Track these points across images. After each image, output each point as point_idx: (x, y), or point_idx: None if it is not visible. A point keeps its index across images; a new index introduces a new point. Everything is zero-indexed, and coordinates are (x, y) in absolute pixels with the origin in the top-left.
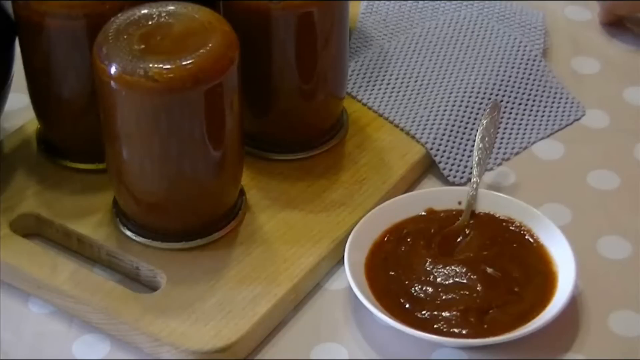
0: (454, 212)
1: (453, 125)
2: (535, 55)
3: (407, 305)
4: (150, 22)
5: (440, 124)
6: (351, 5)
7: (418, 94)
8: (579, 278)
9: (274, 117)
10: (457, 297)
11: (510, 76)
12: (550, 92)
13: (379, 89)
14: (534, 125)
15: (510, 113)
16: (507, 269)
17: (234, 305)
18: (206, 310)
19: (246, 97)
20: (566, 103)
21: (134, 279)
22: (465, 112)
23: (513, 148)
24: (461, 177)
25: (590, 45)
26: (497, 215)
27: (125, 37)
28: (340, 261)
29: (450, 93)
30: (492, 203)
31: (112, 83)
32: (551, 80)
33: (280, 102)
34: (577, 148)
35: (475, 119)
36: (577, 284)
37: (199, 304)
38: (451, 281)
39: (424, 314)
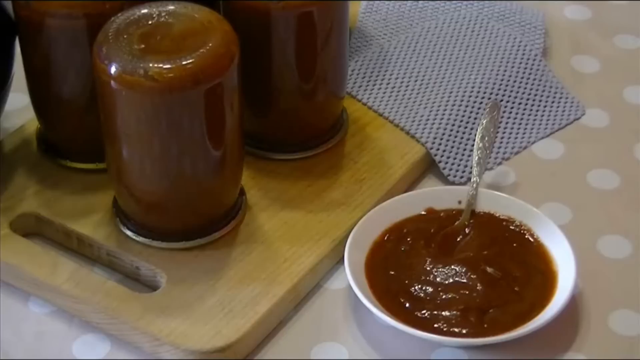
0: (454, 212)
1: (453, 125)
2: (535, 55)
3: (407, 305)
4: (150, 22)
5: (440, 123)
6: (351, 5)
7: (418, 93)
8: (579, 277)
9: (274, 117)
10: (457, 297)
11: (510, 76)
12: (550, 91)
13: (379, 89)
14: (533, 124)
15: (510, 113)
16: (507, 269)
17: (234, 304)
18: (206, 310)
19: (246, 97)
20: (566, 102)
21: (134, 279)
22: (465, 111)
23: (513, 147)
24: (461, 177)
25: (590, 44)
26: (497, 215)
27: (125, 36)
28: (340, 261)
29: (450, 93)
30: (492, 202)
31: (112, 83)
32: (551, 79)
33: (280, 102)
34: (577, 147)
35: (475, 118)
36: (577, 283)
37: (199, 304)
38: (451, 280)
39: (424, 314)
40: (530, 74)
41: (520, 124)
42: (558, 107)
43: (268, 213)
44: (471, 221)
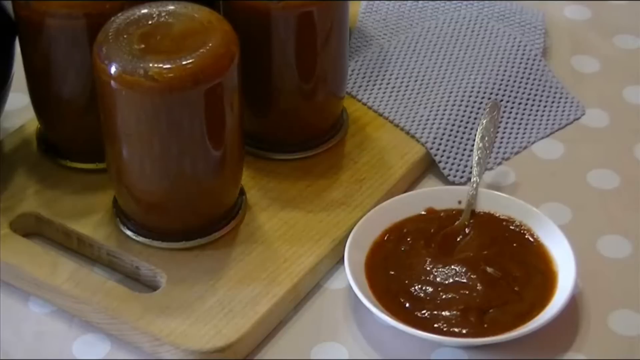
0: (454, 212)
1: (453, 125)
2: (535, 55)
3: (407, 305)
4: (150, 22)
5: (440, 123)
6: (351, 5)
7: (418, 93)
8: (579, 277)
9: (274, 117)
10: (457, 297)
11: (510, 76)
12: (550, 91)
13: (379, 89)
14: (533, 124)
15: (510, 113)
16: (507, 269)
17: (234, 304)
18: (206, 310)
19: (246, 97)
20: (566, 102)
21: (134, 279)
22: (465, 111)
23: (513, 147)
24: (461, 177)
25: (590, 44)
26: (497, 215)
27: (125, 36)
28: (341, 260)
29: (450, 93)
30: (492, 202)
31: (112, 83)
32: (551, 79)
33: (280, 102)
34: (577, 147)
35: (475, 118)
36: (577, 283)
37: (199, 304)
38: (451, 280)
39: (424, 314)
40: (530, 74)
41: (520, 124)
42: (558, 107)
43: (268, 213)
44: (471, 221)
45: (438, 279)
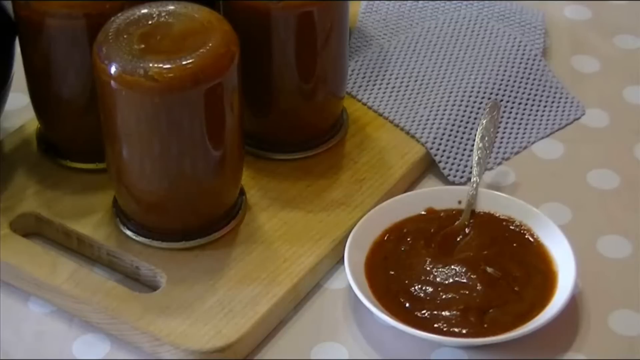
0: (454, 212)
1: (453, 125)
2: (535, 55)
3: (407, 305)
4: (150, 22)
5: (440, 123)
6: (351, 5)
7: (418, 93)
8: (579, 277)
9: (274, 117)
10: (457, 297)
11: (510, 76)
12: (550, 91)
13: (379, 89)
14: (533, 124)
15: (510, 112)
16: (507, 269)
17: (234, 304)
18: (206, 310)
19: (246, 97)
20: (566, 102)
21: (134, 279)
22: (465, 111)
23: (513, 147)
24: (461, 177)
25: (590, 44)
26: (497, 215)
27: (125, 36)
28: (340, 260)
29: (450, 93)
30: (492, 202)
31: (112, 83)
32: (551, 79)
33: (280, 102)
34: (577, 147)
35: (475, 118)
36: (577, 283)
37: (199, 304)
38: (451, 280)
39: (424, 314)
40: (530, 74)
41: (520, 124)
42: (558, 107)
43: (268, 213)
44: (471, 221)
45: (438, 279)
